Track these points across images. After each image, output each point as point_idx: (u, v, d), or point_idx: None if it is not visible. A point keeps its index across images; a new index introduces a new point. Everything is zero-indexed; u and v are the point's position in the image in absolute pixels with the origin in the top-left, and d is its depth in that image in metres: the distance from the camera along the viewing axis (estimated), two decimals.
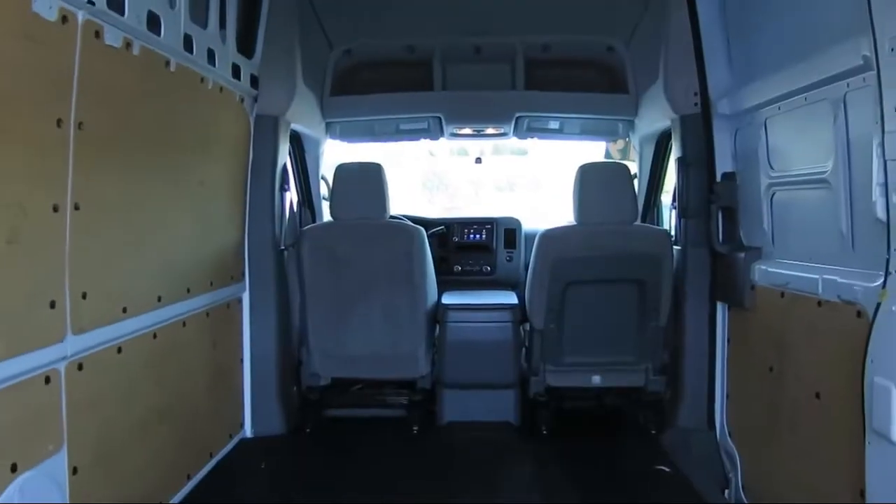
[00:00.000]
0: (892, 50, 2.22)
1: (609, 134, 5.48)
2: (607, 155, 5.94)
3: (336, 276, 4.26)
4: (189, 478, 3.32)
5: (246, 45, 3.86)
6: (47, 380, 2.21)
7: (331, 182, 4.52)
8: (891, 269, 2.32)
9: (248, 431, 4.12)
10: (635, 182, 5.30)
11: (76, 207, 2.31)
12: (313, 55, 4.71)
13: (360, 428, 4.44)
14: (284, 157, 4.28)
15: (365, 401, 4.53)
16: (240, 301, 4.05)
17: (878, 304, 2.38)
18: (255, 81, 3.97)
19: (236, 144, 3.89)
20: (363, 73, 5.15)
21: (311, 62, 4.64)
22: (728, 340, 4.00)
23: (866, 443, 2.43)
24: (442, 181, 8.50)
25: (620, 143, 5.79)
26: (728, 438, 3.97)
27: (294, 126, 4.49)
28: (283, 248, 4.28)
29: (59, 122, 2.21)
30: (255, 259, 4.12)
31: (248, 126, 3.99)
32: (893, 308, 2.31)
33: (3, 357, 1.97)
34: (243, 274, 4.06)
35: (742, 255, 3.70)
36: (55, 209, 2.22)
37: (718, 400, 4.07)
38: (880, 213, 2.40)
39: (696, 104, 4.08)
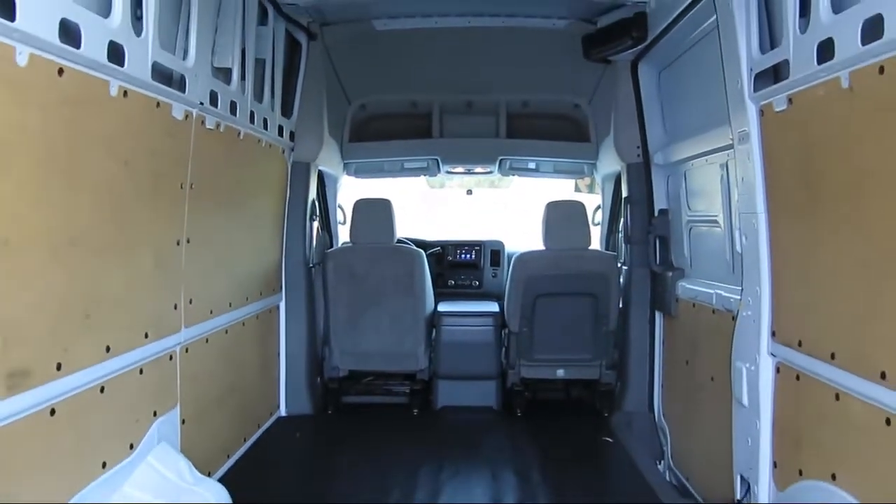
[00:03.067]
0: (739, 140, 3.29)
1: (576, 173, 6.57)
2: (576, 188, 7.04)
3: (353, 289, 5.32)
4: (245, 440, 4.38)
5: (286, 108, 4.94)
6: (170, 357, 3.27)
7: (346, 211, 5.58)
8: (743, 286, 3.38)
9: (283, 411, 5.17)
10: (599, 212, 6.42)
11: (188, 241, 3.38)
12: (335, 110, 5.78)
13: (371, 411, 5.46)
14: (313, 194, 5.35)
15: (375, 389, 5.58)
16: (278, 307, 5.10)
17: (738, 311, 3.45)
18: (292, 136, 5.05)
19: (278, 186, 4.98)
20: (375, 123, 6.20)
21: (334, 116, 5.72)
22: (662, 342, 5.08)
23: (732, 409, 3.48)
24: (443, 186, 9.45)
25: (588, 180, 6.89)
26: (663, 419, 5.02)
27: (320, 167, 5.56)
28: (311, 265, 5.34)
29: (181, 184, 3.28)
30: (290, 274, 5.17)
31: (286, 171, 5.07)
32: (744, 314, 3.36)
33: (153, 340, 3.04)
34: (281, 286, 5.12)
35: (671, 274, 4.77)
36: (177, 243, 3.29)
37: (656, 388, 5.14)
38: (738, 248, 3.48)
39: (638, 155, 5.18)
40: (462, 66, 5.77)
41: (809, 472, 2.76)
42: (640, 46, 4.81)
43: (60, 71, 2.27)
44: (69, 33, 2.27)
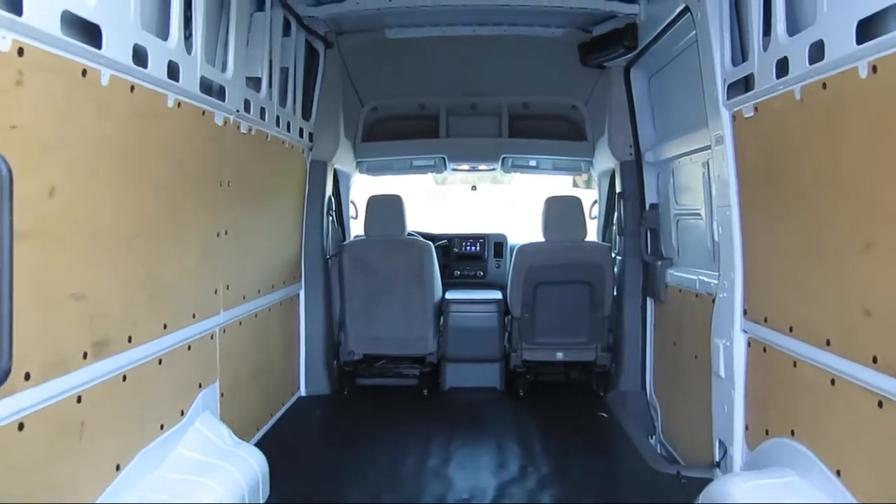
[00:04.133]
0: (715, 142, 3.70)
1: (574, 170, 6.99)
2: (574, 184, 7.46)
3: (367, 279, 5.73)
4: (271, 416, 4.81)
5: (305, 112, 5.35)
6: (211, 336, 3.69)
7: (359, 206, 5.98)
8: (720, 271, 3.79)
9: (302, 391, 5.59)
10: (595, 206, 6.83)
11: (225, 233, 3.79)
12: (350, 112, 6.20)
13: (383, 392, 5.87)
14: (329, 190, 5.76)
15: (387, 372, 5.98)
16: (298, 295, 5.52)
17: (716, 294, 3.86)
18: (311, 137, 5.47)
19: (299, 183, 5.40)
20: (386, 124, 6.61)
21: (349, 117, 6.14)
22: (653, 325, 5.49)
23: (711, 382, 3.89)
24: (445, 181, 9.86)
25: (585, 176, 7.30)
26: (654, 397, 5.43)
27: (335, 166, 5.98)
28: (328, 257, 5.75)
29: (220, 183, 3.70)
30: (308, 265, 5.59)
31: (305, 170, 5.49)
32: (721, 296, 3.77)
33: (199, 320, 3.46)
34: (301, 276, 5.54)
35: (660, 263, 5.17)
36: (217, 235, 3.71)
37: (648, 369, 5.55)
38: (716, 238, 3.89)
39: (630, 154, 5.58)
40: (467, 71, 6.18)
41: (773, 430, 3.18)
42: (631, 54, 5.22)
43: (132, 88, 2.69)
44: (139, 56, 2.69)
